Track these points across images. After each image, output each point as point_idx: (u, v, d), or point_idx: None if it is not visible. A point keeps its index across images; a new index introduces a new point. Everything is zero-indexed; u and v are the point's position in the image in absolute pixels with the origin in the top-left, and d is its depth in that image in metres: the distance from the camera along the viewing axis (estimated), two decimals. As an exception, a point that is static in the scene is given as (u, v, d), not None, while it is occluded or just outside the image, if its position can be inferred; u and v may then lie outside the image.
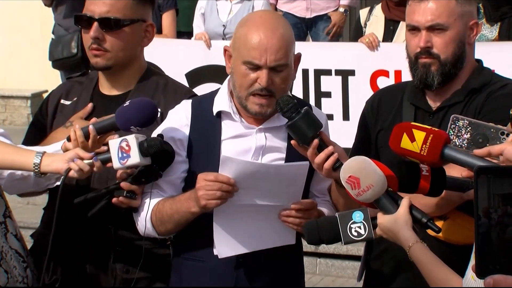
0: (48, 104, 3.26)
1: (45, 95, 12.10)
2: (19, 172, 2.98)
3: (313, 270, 6.21)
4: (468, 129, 2.40)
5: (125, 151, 2.69)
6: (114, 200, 2.80)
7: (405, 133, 2.40)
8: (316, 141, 2.65)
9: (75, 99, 3.19)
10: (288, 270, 2.91)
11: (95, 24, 3.00)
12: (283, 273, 2.88)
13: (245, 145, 2.81)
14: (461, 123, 2.42)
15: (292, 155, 2.78)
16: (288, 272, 2.91)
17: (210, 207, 2.67)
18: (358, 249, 5.78)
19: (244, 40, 2.74)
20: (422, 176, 2.46)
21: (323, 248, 5.97)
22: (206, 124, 2.85)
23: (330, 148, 2.65)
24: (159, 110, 2.87)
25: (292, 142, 2.69)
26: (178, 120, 2.87)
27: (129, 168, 2.76)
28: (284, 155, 2.83)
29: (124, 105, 2.82)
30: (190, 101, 2.92)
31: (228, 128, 2.84)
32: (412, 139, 2.38)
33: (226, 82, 2.89)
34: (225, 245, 2.76)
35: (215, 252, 2.77)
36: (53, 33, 8.81)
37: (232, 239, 2.75)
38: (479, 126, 2.37)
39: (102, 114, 3.06)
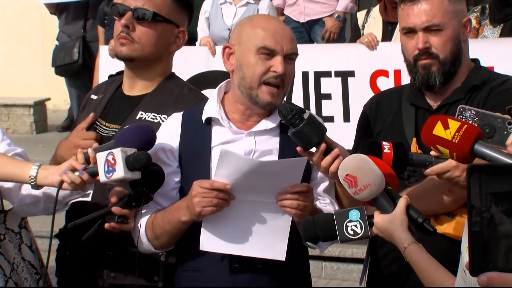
0: (84, 100, 3.33)
1: (48, 103, 12.12)
2: (29, 197, 2.99)
3: (319, 273, 6.19)
4: (475, 119, 2.39)
5: (111, 164, 2.64)
6: (106, 225, 2.77)
7: (439, 121, 2.38)
8: (323, 146, 2.63)
9: (101, 95, 3.22)
10: (293, 274, 2.87)
11: (129, 13, 3.03)
12: (288, 277, 2.84)
13: (234, 150, 2.77)
14: (468, 114, 2.41)
15: (285, 158, 2.73)
16: (294, 276, 2.87)
17: (205, 214, 2.65)
18: (363, 252, 5.75)
19: (254, 32, 2.75)
20: (384, 154, 2.51)
21: (329, 251, 5.94)
22: (196, 132, 2.84)
23: (336, 150, 2.64)
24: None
25: (298, 148, 2.66)
26: (167, 132, 2.88)
27: (116, 182, 2.70)
28: (276, 158, 2.79)
29: (124, 128, 2.85)
30: (181, 113, 2.92)
31: (218, 134, 2.83)
32: (446, 127, 2.37)
33: (216, 90, 2.89)
34: (211, 240, 2.72)
35: (200, 244, 2.73)
36: (57, 39, 8.86)
37: (220, 235, 2.72)
38: (486, 116, 2.36)
39: (117, 113, 3.10)
